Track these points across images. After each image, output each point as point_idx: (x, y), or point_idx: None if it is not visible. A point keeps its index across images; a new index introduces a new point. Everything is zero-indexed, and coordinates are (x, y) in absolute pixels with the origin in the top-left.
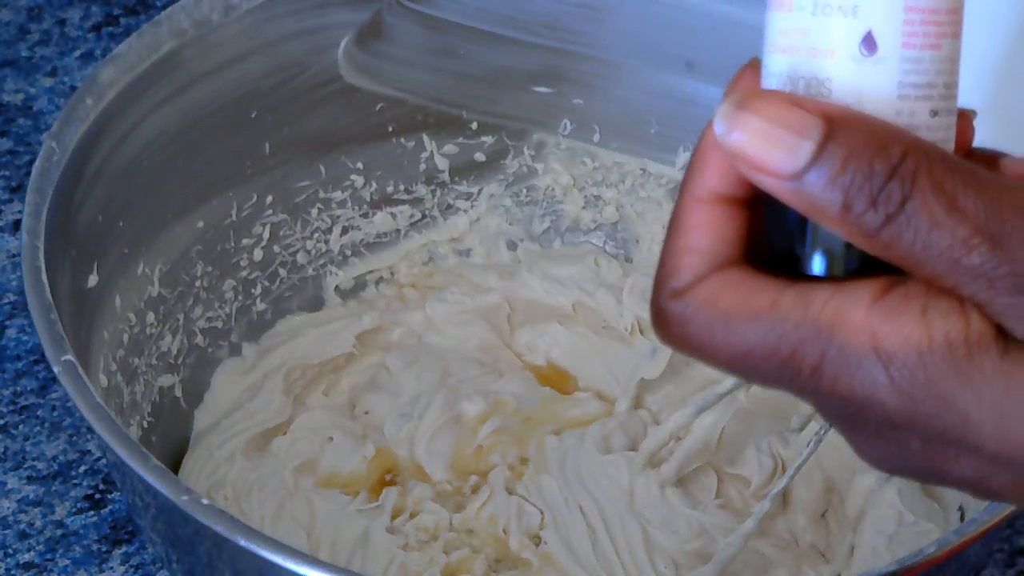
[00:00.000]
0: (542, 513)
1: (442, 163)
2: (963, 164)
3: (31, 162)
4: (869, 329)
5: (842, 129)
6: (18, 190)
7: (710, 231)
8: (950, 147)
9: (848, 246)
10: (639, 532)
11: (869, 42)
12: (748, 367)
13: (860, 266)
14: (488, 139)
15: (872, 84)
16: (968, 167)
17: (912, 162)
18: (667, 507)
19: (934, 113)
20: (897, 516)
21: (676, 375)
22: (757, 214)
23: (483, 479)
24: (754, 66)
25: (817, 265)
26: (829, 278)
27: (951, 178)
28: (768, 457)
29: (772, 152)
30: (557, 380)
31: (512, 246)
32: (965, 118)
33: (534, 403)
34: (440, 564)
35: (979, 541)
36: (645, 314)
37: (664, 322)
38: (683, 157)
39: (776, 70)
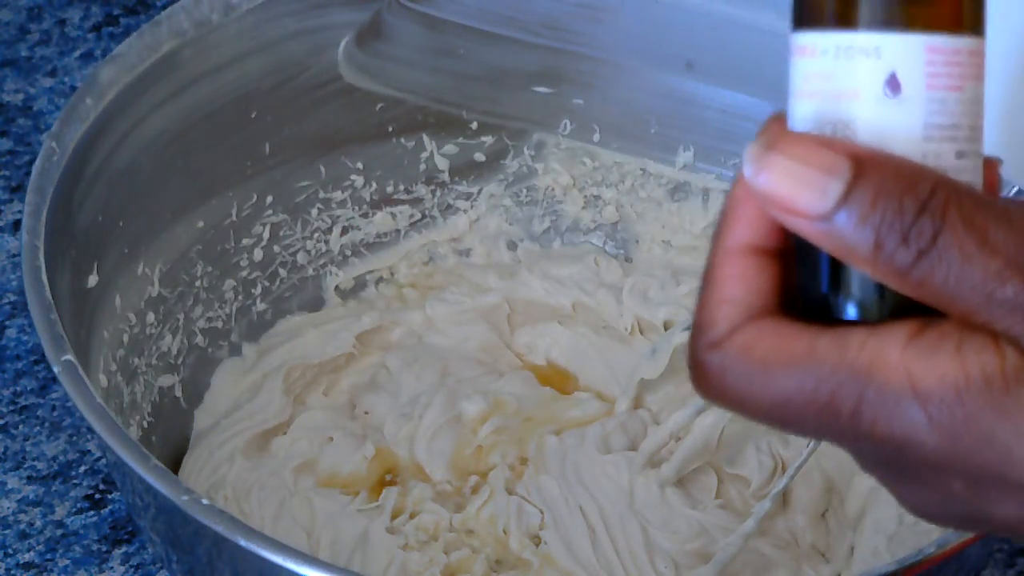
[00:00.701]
0: (542, 513)
1: (442, 163)
2: (991, 199)
3: (31, 162)
4: (905, 369)
5: (870, 168)
6: (18, 190)
7: (743, 282)
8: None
9: (881, 288)
10: (639, 532)
11: (893, 83)
12: (788, 416)
13: (894, 308)
14: (488, 139)
15: (898, 125)
16: (996, 202)
17: (941, 197)
18: (667, 507)
19: (960, 155)
20: (897, 516)
21: (676, 375)
22: (789, 263)
23: (483, 479)
24: (780, 117)
25: (851, 310)
26: (863, 322)
27: (981, 212)
28: (768, 457)
29: (801, 193)
30: (557, 380)
31: (512, 246)
32: (991, 165)
33: (534, 403)
34: (440, 564)
35: (979, 541)
36: (645, 314)
37: (702, 374)
38: (683, 157)
39: (802, 115)
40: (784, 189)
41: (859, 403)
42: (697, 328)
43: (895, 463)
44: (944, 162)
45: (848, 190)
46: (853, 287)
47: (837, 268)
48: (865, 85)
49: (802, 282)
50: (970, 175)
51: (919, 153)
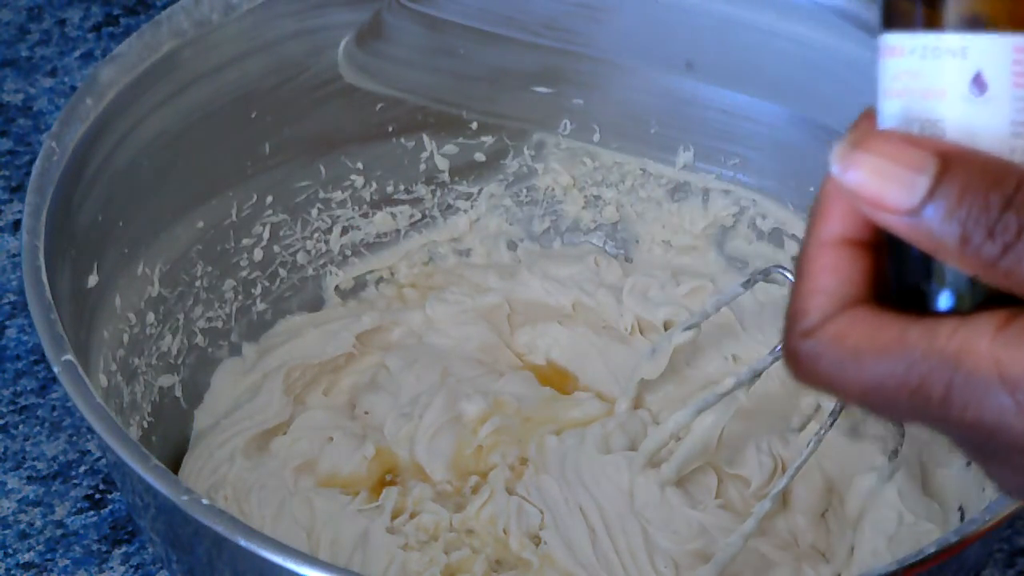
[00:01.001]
0: (542, 513)
1: (442, 163)
2: None
3: (31, 162)
4: (993, 357)
5: (956, 164)
6: (18, 190)
7: (836, 273)
8: None
9: (970, 280)
10: (639, 532)
11: (979, 82)
12: (880, 400)
13: (983, 299)
14: (488, 139)
15: (984, 123)
16: None
17: None
18: (667, 507)
19: None
20: (897, 516)
21: (676, 375)
22: (880, 255)
23: (483, 479)
24: (869, 115)
25: (941, 300)
26: (953, 312)
27: None
28: (768, 457)
29: (889, 188)
30: (557, 380)
31: (512, 246)
32: None
33: (534, 403)
34: (440, 564)
35: (979, 541)
36: (645, 314)
37: (796, 361)
38: (683, 157)
39: (890, 114)
40: (872, 185)
41: (949, 389)
42: (791, 317)
43: (986, 447)
44: None
45: (935, 185)
46: (943, 279)
47: (927, 261)
48: (951, 84)
49: (893, 274)
50: None
51: (1006, 149)
